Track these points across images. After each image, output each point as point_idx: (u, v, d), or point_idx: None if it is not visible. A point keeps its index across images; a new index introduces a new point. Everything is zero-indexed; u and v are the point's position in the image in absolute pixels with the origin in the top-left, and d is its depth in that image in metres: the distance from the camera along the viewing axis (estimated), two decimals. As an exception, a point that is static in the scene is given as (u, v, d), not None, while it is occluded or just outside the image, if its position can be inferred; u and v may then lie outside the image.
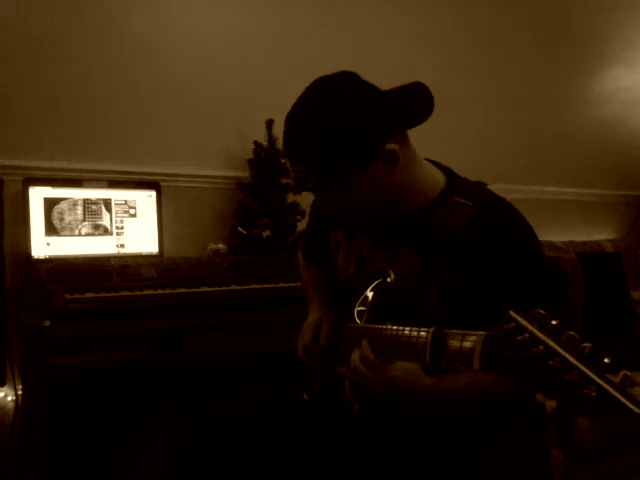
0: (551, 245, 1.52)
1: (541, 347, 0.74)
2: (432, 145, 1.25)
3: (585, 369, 0.70)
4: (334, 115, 1.05)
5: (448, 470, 1.10)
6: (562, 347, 0.72)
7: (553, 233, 2.99)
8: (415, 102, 1.12)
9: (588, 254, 2.92)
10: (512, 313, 0.79)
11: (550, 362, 0.72)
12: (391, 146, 1.08)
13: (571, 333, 0.73)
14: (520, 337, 0.77)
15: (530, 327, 0.76)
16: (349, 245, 1.31)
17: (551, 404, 1.52)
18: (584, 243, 3.12)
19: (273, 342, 1.85)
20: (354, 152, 1.06)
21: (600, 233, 3.51)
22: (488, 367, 0.83)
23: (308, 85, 1.12)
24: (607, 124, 3.54)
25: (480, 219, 1.12)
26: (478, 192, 1.16)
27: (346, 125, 1.05)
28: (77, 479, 1.93)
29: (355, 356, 1.10)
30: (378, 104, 1.08)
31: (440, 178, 1.21)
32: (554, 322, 0.75)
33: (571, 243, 3.02)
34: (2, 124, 2.07)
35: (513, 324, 0.78)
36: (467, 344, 0.88)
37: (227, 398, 2.09)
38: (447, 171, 1.23)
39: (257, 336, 1.90)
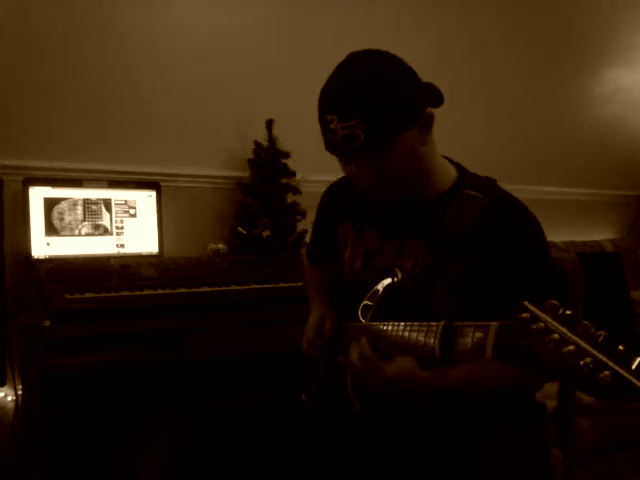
0: (552, 245, 1.51)
1: (556, 335, 0.75)
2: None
3: (600, 355, 0.70)
4: (389, 70, 1.10)
5: (448, 470, 1.10)
6: (577, 335, 0.73)
7: (553, 233, 2.98)
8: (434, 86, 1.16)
9: (588, 254, 2.92)
10: (527, 304, 0.80)
11: (564, 350, 0.73)
12: (429, 110, 1.12)
13: (585, 322, 0.74)
14: (535, 326, 0.77)
15: (545, 316, 0.77)
16: (357, 238, 1.31)
17: (551, 404, 1.52)
18: (584, 243, 3.12)
19: (273, 342, 1.85)
20: (406, 106, 1.09)
21: (600, 233, 3.51)
22: (501, 356, 0.84)
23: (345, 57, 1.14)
24: (607, 124, 3.54)
25: (492, 212, 1.15)
26: (489, 186, 1.19)
27: (400, 79, 1.10)
28: (77, 479, 1.92)
29: (354, 353, 1.11)
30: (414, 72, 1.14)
31: (452, 171, 1.24)
32: (568, 312, 0.76)
33: (571, 243, 3.02)
34: (2, 124, 2.07)
35: (527, 314, 0.79)
36: (479, 334, 0.88)
37: (227, 398, 2.09)
38: (458, 166, 1.26)
39: (257, 336, 1.90)
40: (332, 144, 1.11)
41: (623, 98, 3.57)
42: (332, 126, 1.08)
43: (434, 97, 1.12)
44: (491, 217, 1.14)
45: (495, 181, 1.21)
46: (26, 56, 2.09)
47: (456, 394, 1.09)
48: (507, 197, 1.20)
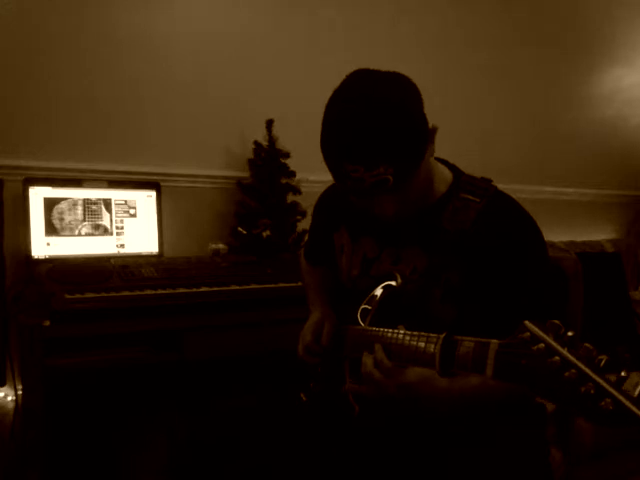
0: (551, 245, 1.51)
1: (557, 358, 0.73)
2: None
3: (602, 382, 0.69)
4: (399, 99, 1.03)
5: (448, 470, 1.10)
6: (578, 359, 0.72)
7: (553, 233, 2.99)
8: None
9: (588, 254, 2.92)
10: (527, 323, 0.79)
11: (566, 374, 0.72)
12: (431, 124, 1.08)
13: (587, 345, 0.72)
14: (535, 347, 0.76)
15: (546, 338, 0.75)
16: (353, 246, 1.30)
17: (551, 404, 1.51)
18: (584, 243, 3.12)
19: (273, 342, 1.85)
20: (422, 133, 1.05)
21: (600, 233, 3.51)
22: (501, 375, 0.83)
23: (334, 94, 1.07)
24: (607, 124, 3.55)
25: (487, 216, 1.13)
26: (484, 189, 1.17)
27: (409, 105, 1.04)
28: (77, 479, 1.92)
29: (368, 361, 1.09)
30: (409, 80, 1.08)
31: (447, 174, 1.22)
32: (570, 333, 0.75)
33: (571, 243, 3.02)
34: (2, 124, 2.07)
35: (528, 334, 0.78)
36: (480, 352, 0.87)
37: (227, 398, 2.09)
38: (453, 168, 1.24)
39: (257, 336, 1.90)
40: (357, 190, 1.06)
41: (623, 98, 3.58)
42: (357, 175, 1.03)
43: (421, 100, 1.09)
44: (487, 222, 1.12)
45: (490, 181, 1.19)
46: (26, 56, 2.09)
47: (475, 399, 1.07)
48: (503, 200, 1.18)
